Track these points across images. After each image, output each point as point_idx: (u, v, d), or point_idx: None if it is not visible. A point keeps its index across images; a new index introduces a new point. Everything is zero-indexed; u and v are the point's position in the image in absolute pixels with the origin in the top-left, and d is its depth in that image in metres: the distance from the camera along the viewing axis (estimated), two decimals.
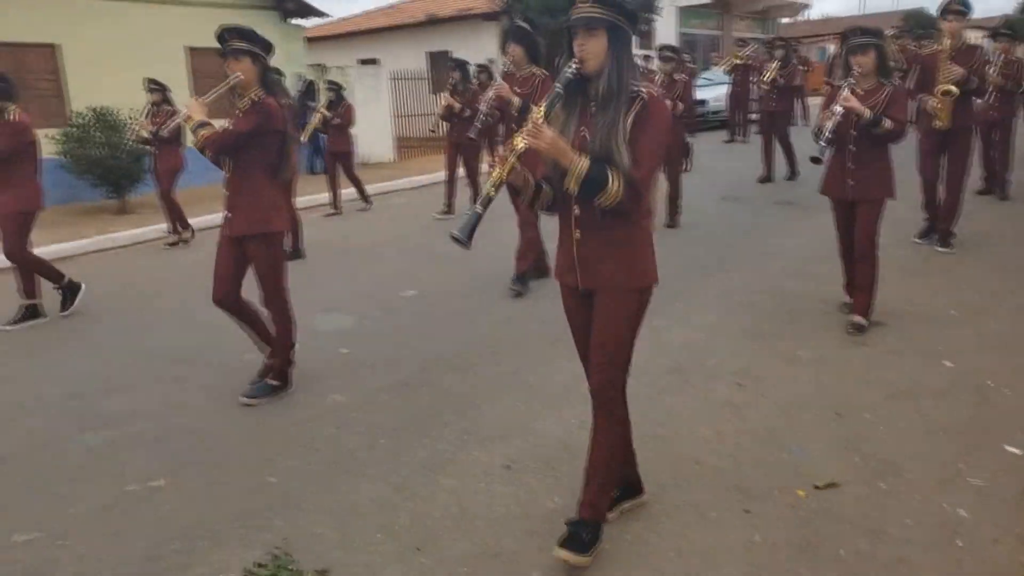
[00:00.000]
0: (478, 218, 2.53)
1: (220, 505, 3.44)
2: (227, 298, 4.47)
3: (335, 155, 10.83)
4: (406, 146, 17.58)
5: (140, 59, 12.43)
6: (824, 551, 2.84)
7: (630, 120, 2.59)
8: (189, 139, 4.67)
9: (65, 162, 11.40)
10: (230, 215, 4.36)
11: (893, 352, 4.76)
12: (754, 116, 14.12)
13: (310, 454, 3.86)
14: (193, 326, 5.91)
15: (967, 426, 3.77)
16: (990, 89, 7.89)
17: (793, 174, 11.22)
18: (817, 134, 4.90)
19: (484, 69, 11.14)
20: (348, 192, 11.35)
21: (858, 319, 5.09)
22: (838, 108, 4.77)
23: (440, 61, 18.42)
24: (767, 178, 11.23)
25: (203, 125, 4.16)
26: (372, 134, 16.72)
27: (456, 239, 2.52)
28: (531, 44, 6.07)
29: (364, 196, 11.39)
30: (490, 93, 6.36)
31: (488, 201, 2.55)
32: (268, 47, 4.36)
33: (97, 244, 9.68)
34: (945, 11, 6.55)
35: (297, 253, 8.21)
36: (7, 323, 6.26)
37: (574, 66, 2.59)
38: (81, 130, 11.36)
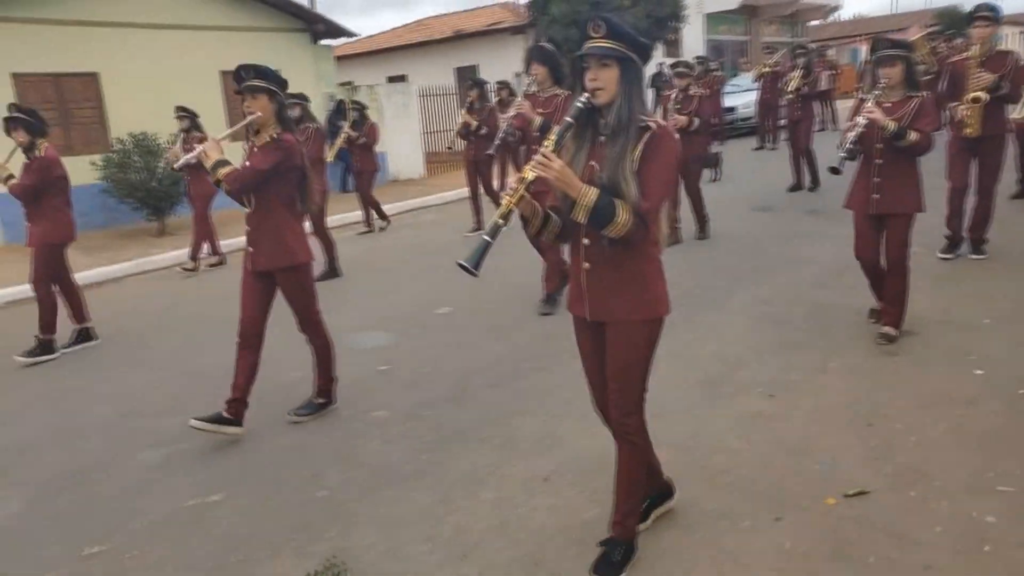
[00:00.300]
0: (487, 246, 2.55)
1: (275, 518, 3.62)
2: (252, 329, 4.52)
3: (360, 174, 11.07)
4: (435, 161, 17.83)
5: (176, 85, 12.84)
6: (854, 557, 2.95)
7: (638, 152, 2.64)
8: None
9: (107, 187, 11.80)
10: (252, 250, 4.44)
11: (924, 361, 4.82)
12: (783, 122, 14.13)
13: (357, 468, 4.03)
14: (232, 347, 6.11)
15: (997, 434, 3.84)
16: None
17: (815, 184, 11.20)
18: (840, 146, 4.91)
19: (505, 85, 11.26)
20: (384, 209, 11.56)
21: (888, 330, 5.11)
22: (861, 120, 4.79)
23: (468, 76, 18.62)
24: (797, 186, 11.26)
25: (221, 164, 4.27)
26: (402, 151, 17.03)
27: (464, 268, 2.54)
28: (554, 64, 6.16)
29: (380, 215, 11.54)
30: (511, 112, 6.42)
31: (497, 230, 2.56)
32: (283, 84, 4.43)
33: (139, 267, 10.01)
34: (973, 17, 6.56)
35: (333, 272, 8.44)
36: (64, 345, 6.51)
37: (585, 97, 2.65)
38: (121, 155, 11.75)
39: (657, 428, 3.89)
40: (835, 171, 4.88)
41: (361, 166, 10.93)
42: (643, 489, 3.07)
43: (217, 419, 4.42)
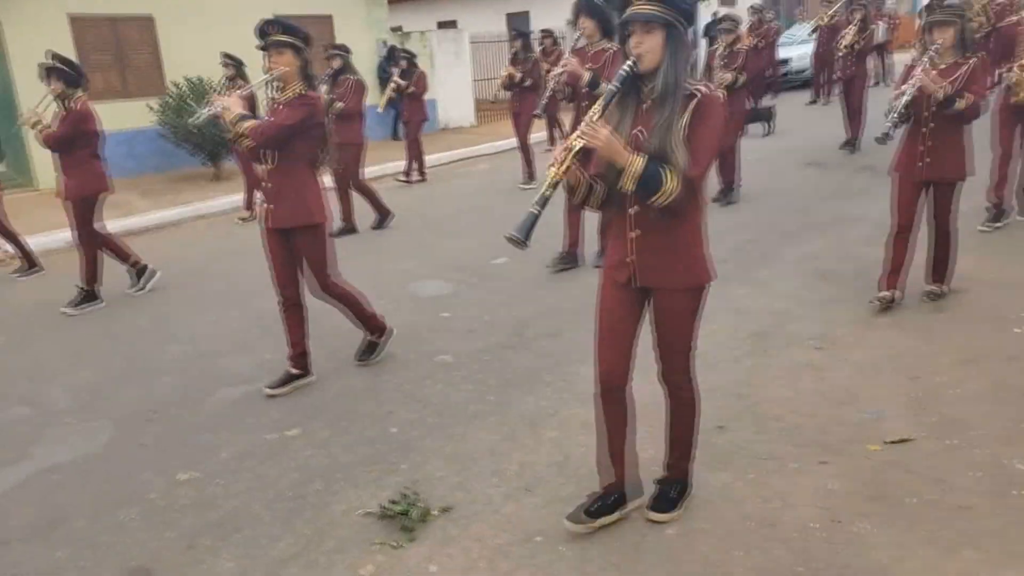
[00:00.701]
0: (535, 218, 2.56)
1: (350, 451, 3.93)
2: (289, 288, 4.60)
3: (408, 123, 11.15)
4: (486, 109, 17.93)
5: (230, 29, 12.90)
6: (893, 498, 3.17)
7: (686, 119, 2.63)
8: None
9: (164, 131, 12.08)
10: (272, 206, 4.41)
11: (966, 319, 4.97)
12: (838, 76, 13.93)
13: (424, 408, 4.32)
14: None
15: None
16: None
17: (854, 145, 10.87)
18: (889, 113, 4.85)
19: (548, 34, 11.15)
20: (435, 158, 11.66)
21: (935, 288, 5.21)
22: (909, 87, 4.74)
23: (520, 23, 18.56)
24: (849, 143, 11.16)
25: (244, 118, 4.27)
26: (453, 99, 17.15)
27: (512, 240, 2.55)
28: (603, 18, 5.97)
29: (420, 168, 11.50)
30: (558, 70, 6.25)
31: (545, 201, 2.57)
32: (308, 39, 4.38)
33: (196, 211, 10.25)
34: None
35: (383, 220, 8.65)
36: (68, 305, 6.47)
37: (630, 63, 2.63)
38: (177, 100, 11.99)
39: (710, 377, 4.16)
40: (882, 141, 4.83)
41: (409, 115, 11.06)
42: (694, 432, 3.23)
43: (287, 379, 4.66)
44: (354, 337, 5.15)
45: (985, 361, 4.35)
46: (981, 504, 3.09)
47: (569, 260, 6.69)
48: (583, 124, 2.59)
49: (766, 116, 12.81)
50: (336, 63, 8.37)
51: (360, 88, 8.36)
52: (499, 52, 18.81)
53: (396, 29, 17.49)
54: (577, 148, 2.57)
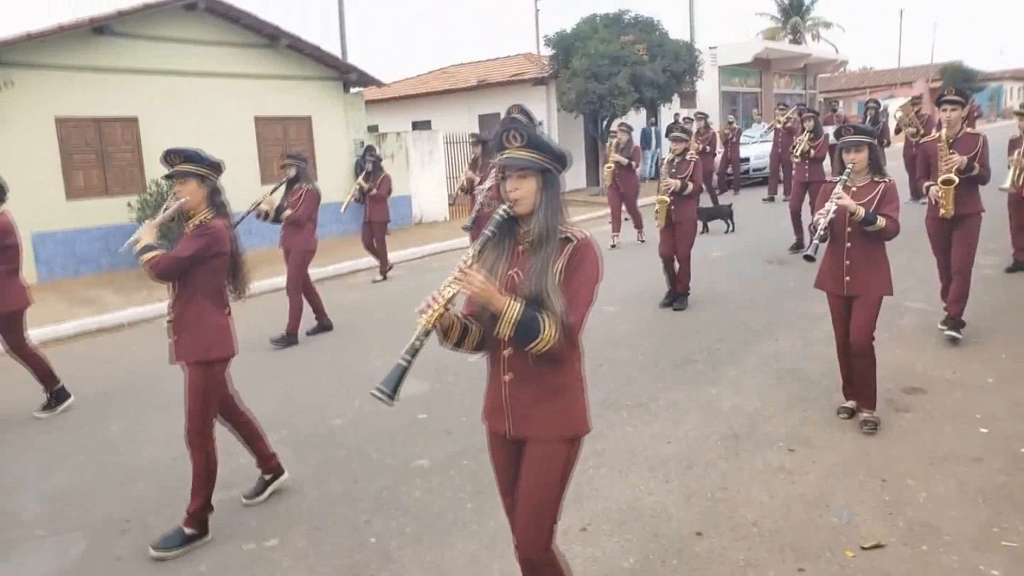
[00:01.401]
0: (404, 370, 2.50)
1: (329, 562, 3.91)
2: (227, 411, 4.52)
3: (372, 224, 11.25)
4: (459, 204, 18.29)
5: (213, 131, 13.30)
6: None
7: (561, 264, 2.60)
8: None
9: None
10: (176, 338, 4.24)
11: (932, 419, 5.12)
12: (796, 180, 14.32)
13: (403, 515, 4.32)
14: (271, 395, 6.46)
15: (1001, 491, 4.13)
16: None
17: (800, 247, 10.84)
18: (812, 231, 4.89)
19: (478, 141, 11.00)
20: (409, 252, 11.81)
21: (868, 415, 5.06)
22: (831, 205, 4.82)
23: (491, 123, 19.13)
24: (798, 246, 11.07)
25: (148, 249, 4.15)
26: (427, 194, 17.60)
27: (379, 396, 2.48)
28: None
29: (382, 268, 11.54)
30: (488, 183, 6.14)
31: (415, 351, 2.53)
32: (214, 166, 4.31)
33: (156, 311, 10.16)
34: (941, 100, 6.55)
35: (323, 326, 8.49)
36: (39, 410, 6.39)
37: (504, 207, 2.62)
38: (156, 198, 12.16)
39: (686, 480, 4.22)
40: (810, 259, 4.94)
41: (371, 216, 11.17)
42: None
43: (262, 486, 4.65)
44: (335, 439, 5.15)
45: (951, 462, 4.48)
46: None
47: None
48: (456, 269, 2.54)
49: (727, 213, 13.19)
50: (291, 172, 8.28)
51: (312, 198, 8.20)
52: (470, 150, 19.29)
53: (373, 129, 17.91)
54: (450, 294, 2.54)
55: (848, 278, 5.00)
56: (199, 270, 4.18)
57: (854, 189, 4.96)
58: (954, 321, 6.69)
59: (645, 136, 22.70)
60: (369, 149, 12.06)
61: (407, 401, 6.11)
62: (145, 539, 4.26)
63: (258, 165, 14.45)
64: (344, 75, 15.98)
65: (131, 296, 10.73)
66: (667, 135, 10.30)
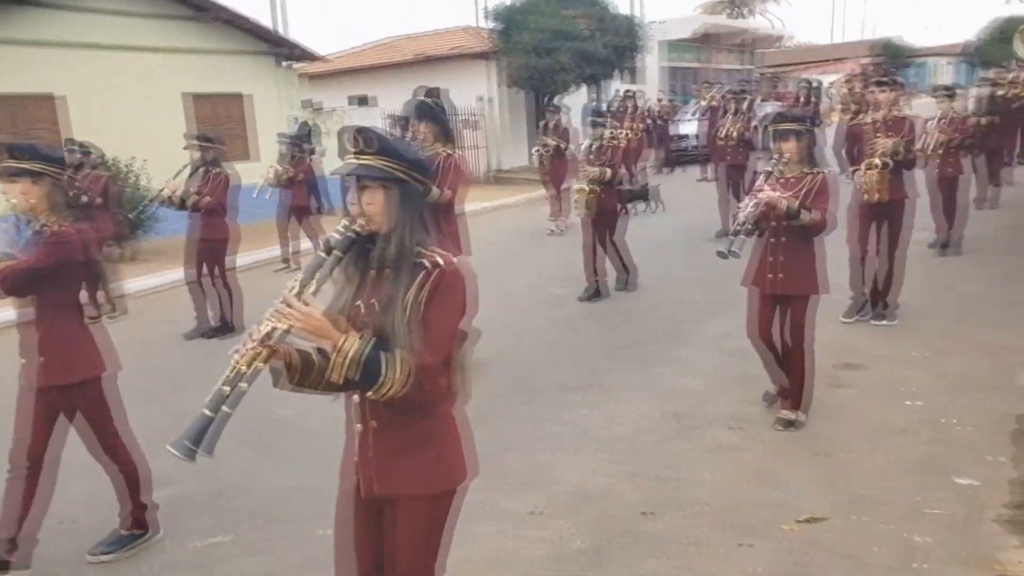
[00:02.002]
0: (209, 422, 2.09)
1: (281, 557, 3.87)
2: (33, 455, 3.77)
3: (294, 209, 10.82)
4: None
5: (140, 107, 12.77)
6: None
7: (418, 294, 2.20)
8: None
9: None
10: (42, 359, 3.71)
11: (863, 394, 5.39)
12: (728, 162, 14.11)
13: None
14: (210, 389, 6.35)
15: (926, 461, 4.39)
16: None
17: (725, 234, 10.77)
18: (732, 228, 4.68)
19: (400, 122, 10.71)
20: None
21: (786, 414, 4.90)
22: (750, 200, 4.57)
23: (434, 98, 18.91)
24: (725, 232, 11.13)
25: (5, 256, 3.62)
26: None
27: (177, 454, 2.10)
28: (439, 121, 5.80)
29: (285, 256, 11.06)
30: None
31: (221, 399, 2.12)
32: (54, 160, 3.75)
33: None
34: (873, 82, 6.63)
35: (227, 326, 7.89)
36: None
37: (344, 225, 2.24)
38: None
39: (638, 458, 4.37)
40: (722, 255, 4.69)
41: (296, 201, 10.81)
42: None
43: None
44: (277, 428, 5.09)
45: (883, 435, 4.72)
46: None
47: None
48: (279, 301, 2.15)
49: (643, 195, 13.08)
50: (209, 155, 7.61)
51: (223, 182, 7.57)
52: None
53: (307, 104, 17.48)
54: (265, 332, 2.12)
55: (776, 275, 4.73)
56: (54, 283, 3.69)
57: (783, 180, 4.67)
58: (889, 307, 6.75)
59: (587, 113, 22.74)
60: (303, 125, 11.59)
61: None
62: (84, 541, 4.07)
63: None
64: (277, 48, 15.56)
65: None
66: (582, 121, 10.06)
